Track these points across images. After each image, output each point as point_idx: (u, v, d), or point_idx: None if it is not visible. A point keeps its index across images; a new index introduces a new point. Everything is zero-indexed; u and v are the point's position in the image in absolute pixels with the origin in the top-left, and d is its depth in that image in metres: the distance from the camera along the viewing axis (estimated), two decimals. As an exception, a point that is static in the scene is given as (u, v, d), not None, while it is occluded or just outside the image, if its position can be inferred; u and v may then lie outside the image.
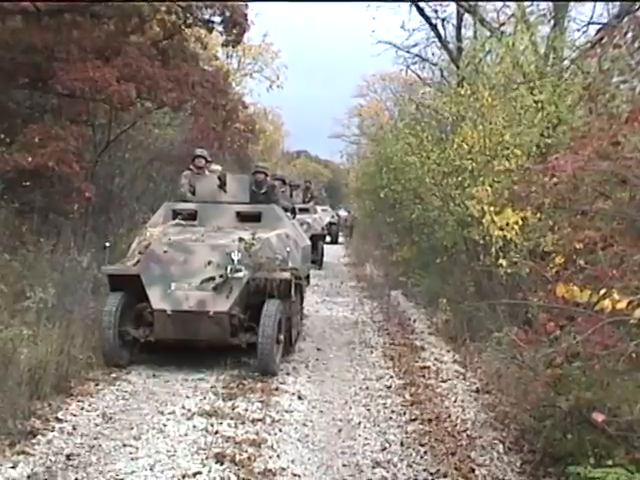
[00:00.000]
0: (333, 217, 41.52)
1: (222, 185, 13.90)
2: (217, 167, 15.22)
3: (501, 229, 10.48)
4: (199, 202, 13.65)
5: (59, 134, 17.13)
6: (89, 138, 20.12)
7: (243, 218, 13.25)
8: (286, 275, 11.77)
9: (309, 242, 16.26)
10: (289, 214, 14.95)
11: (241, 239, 11.82)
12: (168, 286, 11.32)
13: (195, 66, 20.95)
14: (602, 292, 6.29)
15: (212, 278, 11.29)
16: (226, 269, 11.34)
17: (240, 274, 11.39)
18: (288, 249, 12.29)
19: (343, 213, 54.60)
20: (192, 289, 11.28)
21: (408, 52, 31.38)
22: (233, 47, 28.10)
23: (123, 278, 11.72)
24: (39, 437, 8.15)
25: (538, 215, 10.16)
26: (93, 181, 18.71)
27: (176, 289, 11.30)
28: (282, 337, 11.79)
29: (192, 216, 13.24)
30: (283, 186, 16.22)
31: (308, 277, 16.10)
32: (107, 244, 12.48)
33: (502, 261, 11.26)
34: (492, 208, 11.00)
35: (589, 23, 19.70)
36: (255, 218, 13.23)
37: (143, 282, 11.41)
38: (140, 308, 11.53)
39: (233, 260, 11.40)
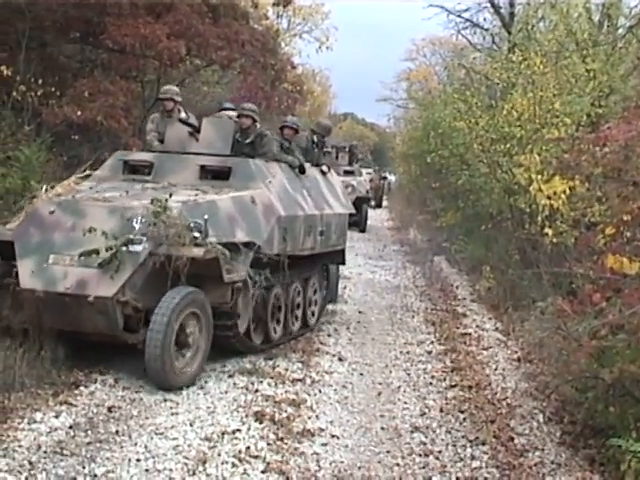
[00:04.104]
0: (372, 180, 37.24)
1: (195, 132, 11.18)
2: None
3: (548, 198, 10.41)
4: (161, 152, 11.05)
5: (108, 89, 17.26)
6: (138, 94, 20.22)
7: (209, 174, 10.62)
8: (197, 252, 8.60)
9: (337, 210, 12.81)
10: (296, 171, 11.72)
11: (154, 200, 8.95)
12: (45, 258, 8.63)
13: (245, 24, 20.91)
14: (651, 265, 6.23)
15: (95, 251, 8.47)
16: (116, 239, 8.51)
17: (138, 247, 8.57)
18: (206, 217, 8.97)
19: (390, 177, 54.27)
20: (74, 264, 8.55)
21: (459, 16, 31.03)
22: (284, 7, 28.06)
23: (6, 244, 9.03)
24: (82, 388, 8.22)
25: (586, 185, 10.08)
26: (140, 137, 18.80)
27: (54, 263, 8.60)
28: (195, 337, 8.80)
29: (148, 169, 10.68)
30: (312, 136, 13.10)
31: (342, 253, 13.41)
32: None
33: (548, 230, 11.19)
34: (540, 176, 10.93)
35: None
36: (224, 175, 10.51)
37: (16, 251, 8.81)
38: (8, 285, 8.78)
39: (134, 228, 8.70)
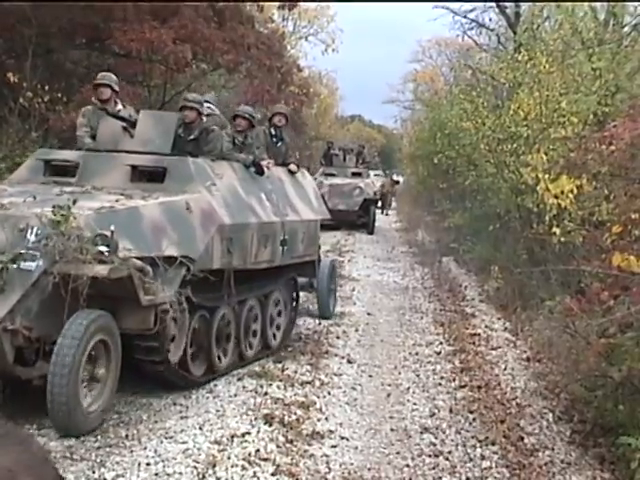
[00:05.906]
0: (383, 186, 36.19)
1: (129, 127, 9.50)
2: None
3: (556, 197, 10.40)
4: (89, 150, 9.40)
5: (115, 94, 17.30)
6: (144, 99, 20.28)
7: (142, 176, 8.97)
8: (101, 270, 6.93)
9: (306, 216, 11.36)
10: (251, 171, 10.14)
11: (55, 208, 7.26)
12: None
13: (251, 28, 20.99)
14: (659, 263, 6.22)
15: None
16: (3, 255, 7.03)
17: (30, 265, 7.04)
18: (113, 228, 7.21)
19: (399, 178, 54.15)
20: None
21: (465, 17, 31.09)
22: (289, 10, 28.06)
23: None
24: (91, 393, 8.23)
25: (594, 183, 10.08)
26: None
27: None
28: (104, 370, 7.25)
29: (74, 171, 8.99)
30: (270, 129, 11.89)
31: (313, 265, 12.03)
32: None
33: (556, 229, 11.17)
34: (547, 176, 10.93)
35: (652, -11, 19.29)
36: (158, 176, 8.87)
37: None
38: None
39: (28, 241, 7.18)
